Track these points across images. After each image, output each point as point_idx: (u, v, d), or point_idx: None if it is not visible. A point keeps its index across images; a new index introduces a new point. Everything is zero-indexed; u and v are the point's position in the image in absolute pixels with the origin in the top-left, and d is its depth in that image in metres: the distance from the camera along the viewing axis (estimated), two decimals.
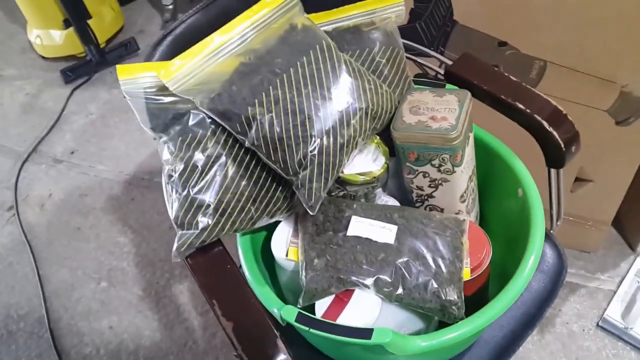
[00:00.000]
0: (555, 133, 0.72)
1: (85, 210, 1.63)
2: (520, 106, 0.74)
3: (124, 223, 1.58)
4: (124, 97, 0.68)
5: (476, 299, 0.70)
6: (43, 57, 2.11)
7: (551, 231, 0.86)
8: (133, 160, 1.75)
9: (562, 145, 0.72)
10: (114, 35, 2.14)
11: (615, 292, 1.26)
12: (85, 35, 1.95)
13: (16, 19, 2.25)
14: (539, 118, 0.73)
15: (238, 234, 0.75)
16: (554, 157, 0.75)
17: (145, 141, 1.78)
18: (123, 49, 2.05)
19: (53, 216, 1.63)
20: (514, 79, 0.78)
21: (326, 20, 0.77)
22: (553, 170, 0.78)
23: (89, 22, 1.95)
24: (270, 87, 0.66)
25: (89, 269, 1.48)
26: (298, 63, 0.67)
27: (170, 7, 2.06)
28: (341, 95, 0.67)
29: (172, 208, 0.68)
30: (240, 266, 0.73)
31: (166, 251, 1.49)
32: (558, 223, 0.87)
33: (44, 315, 1.39)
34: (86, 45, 1.97)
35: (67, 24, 1.97)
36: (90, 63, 2.01)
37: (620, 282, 1.27)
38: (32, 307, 1.42)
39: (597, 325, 1.22)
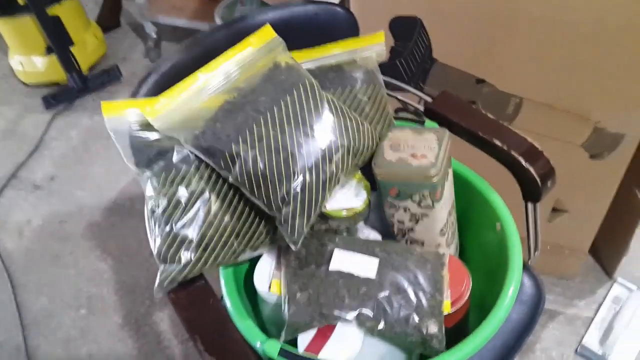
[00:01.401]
0: (531, 169, 0.74)
1: (65, 237, 1.61)
2: (498, 143, 0.77)
3: (103, 249, 1.57)
4: (110, 134, 0.68)
5: (457, 331, 0.71)
6: (24, 83, 2.10)
7: (529, 262, 0.88)
8: (114, 187, 1.74)
9: (539, 181, 0.74)
10: (96, 62, 2.14)
11: (592, 319, 1.28)
12: (68, 62, 1.94)
13: None
14: (515, 154, 0.75)
15: (220, 267, 0.75)
16: (531, 192, 0.77)
17: (126, 168, 1.74)
18: (105, 76, 2.05)
19: (32, 243, 1.61)
20: (491, 116, 0.80)
21: (309, 59, 0.79)
22: (530, 204, 0.80)
23: (72, 49, 1.95)
24: (254, 125, 0.67)
25: (67, 296, 1.47)
26: (282, 101, 0.69)
27: (154, 35, 2.07)
28: (324, 133, 0.69)
29: (155, 243, 0.69)
30: (222, 298, 0.73)
31: (146, 278, 1.48)
32: (536, 254, 0.88)
33: (22, 344, 1.37)
34: (68, 72, 1.97)
35: (49, 50, 1.97)
36: (72, 89, 2.01)
37: (598, 308, 1.29)
38: (9, 335, 1.39)
39: (576, 351, 1.24)
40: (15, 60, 2.02)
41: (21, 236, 1.63)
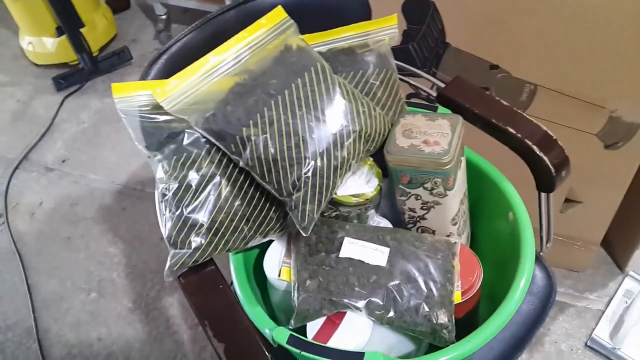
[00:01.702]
0: (545, 158, 0.73)
1: (76, 220, 1.62)
2: (512, 130, 0.75)
3: (114, 233, 1.57)
4: (120, 115, 0.68)
5: (467, 322, 0.70)
6: (35, 64, 2.10)
7: (541, 253, 0.87)
8: (125, 170, 1.74)
9: (553, 170, 0.73)
10: (106, 44, 2.14)
11: (603, 312, 1.27)
12: (78, 43, 1.94)
13: (8, 25, 2.24)
14: (529, 143, 0.74)
15: (230, 253, 0.75)
16: (545, 182, 0.76)
17: (137, 151, 1.76)
18: (116, 58, 2.05)
19: (43, 225, 1.62)
20: (505, 103, 0.79)
21: (320, 41, 0.78)
22: (543, 194, 0.79)
23: (82, 30, 1.95)
24: (265, 109, 0.66)
25: (78, 279, 1.48)
26: (293, 85, 0.68)
27: (164, 17, 2.06)
28: (335, 118, 0.68)
29: (165, 227, 0.68)
30: (232, 284, 0.73)
31: (157, 262, 1.49)
32: (548, 245, 0.87)
33: (32, 326, 1.38)
34: (79, 54, 1.97)
35: (59, 31, 1.96)
36: (83, 71, 2.01)
37: (609, 302, 1.28)
38: (20, 317, 1.41)
39: (586, 344, 1.23)
40: (26, 41, 2.02)
41: (33, 218, 1.64)
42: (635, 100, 0.95)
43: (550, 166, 0.73)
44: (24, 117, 1.95)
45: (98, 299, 1.43)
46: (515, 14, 0.93)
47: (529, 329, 0.81)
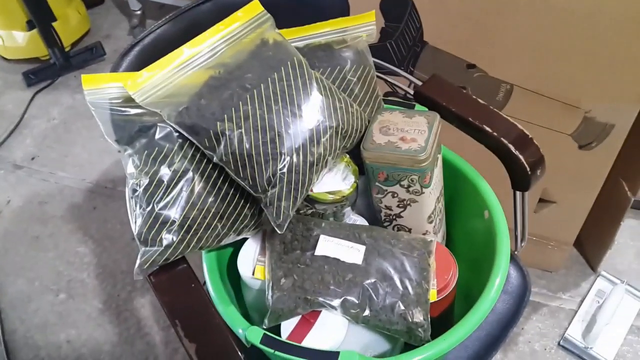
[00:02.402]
0: (521, 156, 0.73)
1: (45, 219, 1.58)
2: (488, 129, 0.75)
3: (84, 232, 1.54)
4: (90, 108, 0.66)
5: (442, 320, 0.70)
6: (4, 59, 2.05)
7: (515, 252, 0.87)
8: (96, 168, 1.71)
9: (528, 169, 0.73)
10: (79, 39, 2.09)
11: (576, 312, 1.28)
12: (50, 37, 1.90)
13: None
14: (505, 141, 0.74)
15: (203, 251, 0.73)
16: (520, 180, 0.76)
17: (109, 149, 1.74)
18: (88, 53, 2.01)
19: (11, 224, 1.57)
20: (481, 101, 0.79)
21: (298, 37, 0.77)
22: (518, 193, 0.79)
23: (54, 24, 1.90)
24: (240, 103, 0.65)
25: (46, 279, 1.44)
26: (269, 79, 0.67)
27: (139, 12, 2.03)
28: (312, 113, 0.67)
29: (136, 224, 0.67)
30: (205, 283, 0.71)
31: (128, 263, 1.46)
32: (522, 244, 0.88)
33: None
34: (50, 48, 1.92)
35: (30, 25, 1.92)
36: (54, 66, 1.96)
37: (581, 301, 1.30)
38: None
39: (559, 344, 1.24)
40: None
41: (0, 217, 1.59)
42: (610, 101, 0.97)
43: (526, 165, 0.73)
44: None
45: (67, 300, 1.40)
46: (493, 14, 0.93)
47: (503, 327, 0.81)
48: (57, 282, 1.43)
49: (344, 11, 0.87)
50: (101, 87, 0.66)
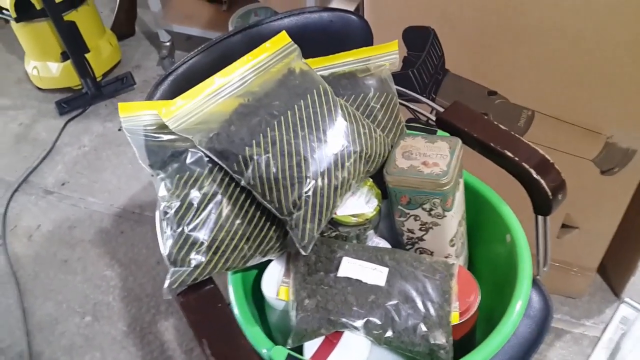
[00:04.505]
0: (542, 181, 0.74)
1: (74, 243, 1.62)
2: (509, 154, 0.77)
3: (111, 256, 1.57)
4: (126, 134, 0.69)
5: (464, 343, 0.70)
6: (39, 88, 2.12)
7: (537, 277, 0.87)
8: (124, 194, 1.75)
9: (550, 193, 0.74)
10: (110, 69, 2.17)
11: (599, 339, 1.26)
12: (83, 68, 1.97)
13: (14, 50, 2.28)
14: (526, 166, 0.75)
15: (229, 272, 0.75)
16: (542, 205, 0.77)
17: (137, 175, 1.79)
18: (119, 83, 2.07)
19: (41, 247, 1.61)
20: (503, 127, 0.80)
21: (323, 65, 0.80)
22: (540, 217, 0.80)
23: (87, 55, 1.97)
24: (268, 129, 0.67)
25: (74, 302, 1.47)
26: (295, 106, 0.69)
27: (168, 43, 2.09)
28: (336, 139, 0.69)
29: (166, 245, 0.69)
30: (230, 304, 0.73)
31: (153, 286, 1.48)
32: (545, 269, 0.88)
33: (25, 349, 1.37)
34: (83, 78, 1.99)
35: (64, 56, 1.99)
36: (86, 96, 2.03)
37: (605, 328, 1.28)
38: (14, 340, 1.39)
39: None
40: (31, 66, 2.05)
41: (30, 241, 1.63)
42: (631, 127, 0.97)
43: (547, 189, 0.74)
44: (25, 140, 1.96)
45: (93, 323, 1.42)
46: (510, 41, 0.95)
47: (525, 352, 0.81)
48: (83, 305, 1.46)
49: (368, 41, 0.90)
50: (136, 114, 0.69)
